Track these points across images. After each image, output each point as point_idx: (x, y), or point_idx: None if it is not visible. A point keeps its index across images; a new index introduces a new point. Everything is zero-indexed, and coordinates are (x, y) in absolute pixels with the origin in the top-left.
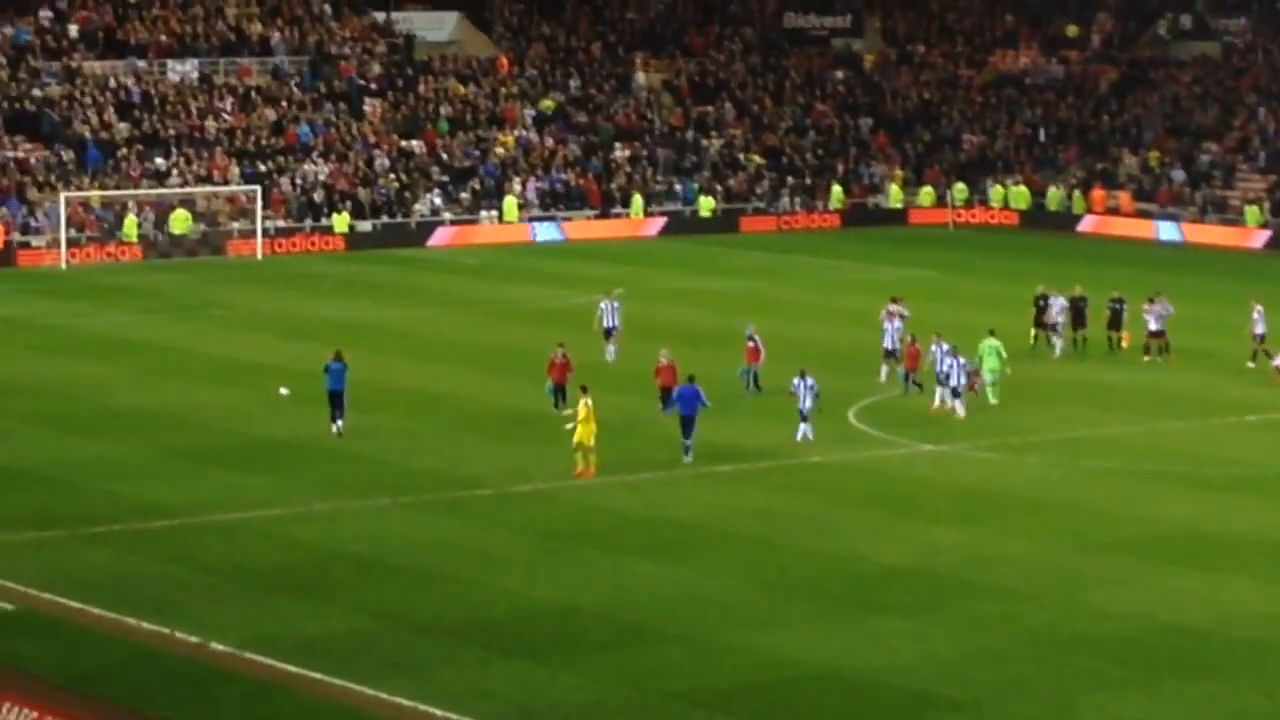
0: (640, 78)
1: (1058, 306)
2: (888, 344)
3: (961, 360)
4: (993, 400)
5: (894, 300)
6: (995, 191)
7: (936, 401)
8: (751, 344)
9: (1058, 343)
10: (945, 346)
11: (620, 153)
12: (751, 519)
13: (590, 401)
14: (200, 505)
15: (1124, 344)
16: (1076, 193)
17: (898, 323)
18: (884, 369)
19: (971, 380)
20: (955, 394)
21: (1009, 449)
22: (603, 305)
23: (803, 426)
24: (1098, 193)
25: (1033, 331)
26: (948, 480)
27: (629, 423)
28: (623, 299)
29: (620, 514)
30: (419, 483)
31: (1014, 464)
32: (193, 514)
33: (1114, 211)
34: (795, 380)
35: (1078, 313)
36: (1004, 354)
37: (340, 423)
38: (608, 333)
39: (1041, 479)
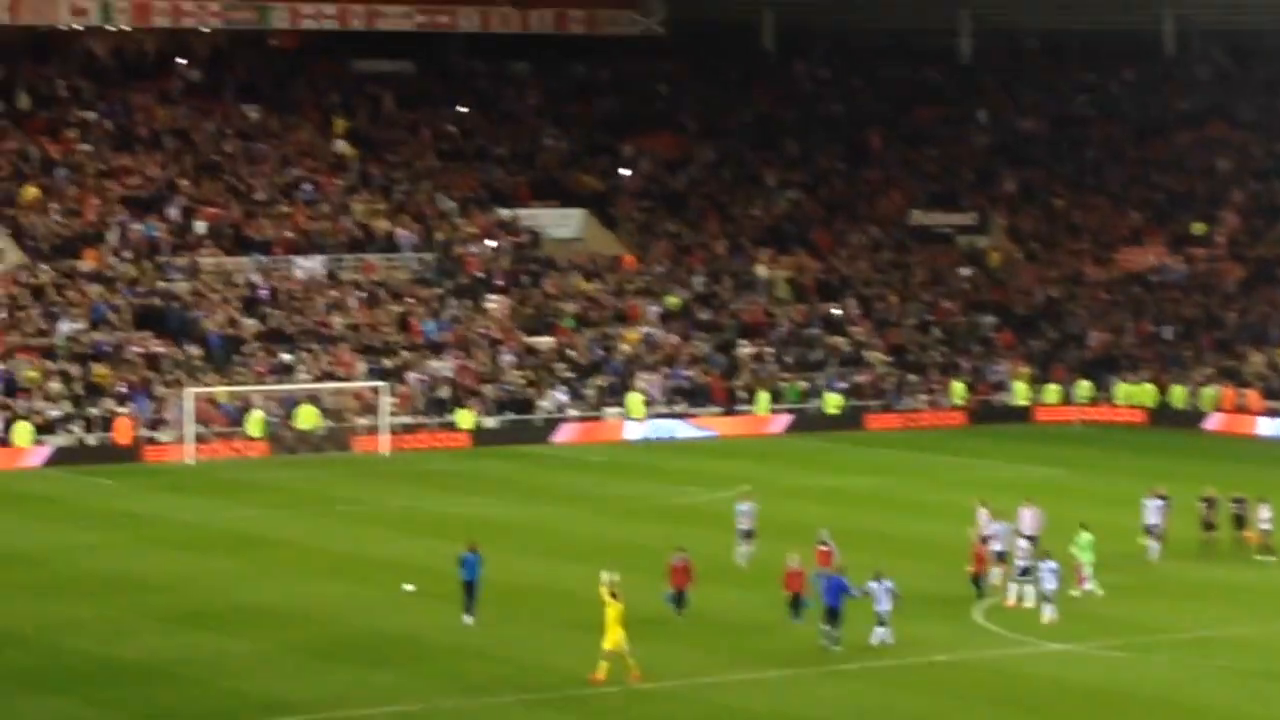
0: (765, 274)
1: (1154, 508)
2: (999, 547)
3: (1052, 564)
4: (1099, 591)
5: (981, 503)
6: (1121, 389)
7: (1012, 598)
8: (824, 548)
9: (1153, 545)
10: (1024, 547)
11: (745, 349)
12: (878, 718)
13: (618, 602)
14: (325, 701)
15: (1250, 542)
16: (1203, 390)
17: (1000, 525)
18: (996, 570)
19: (1080, 575)
20: (1046, 599)
21: (1137, 648)
22: (740, 508)
23: (880, 630)
24: (1225, 391)
25: (1202, 535)
26: (1076, 679)
27: (754, 621)
28: (750, 497)
29: (749, 713)
30: (544, 680)
31: (1142, 663)
32: (318, 710)
33: (1241, 409)
34: (871, 583)
35: (1208, 511)
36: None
37: (471, 616)
38: (746, 535)
39: (1170, 679)
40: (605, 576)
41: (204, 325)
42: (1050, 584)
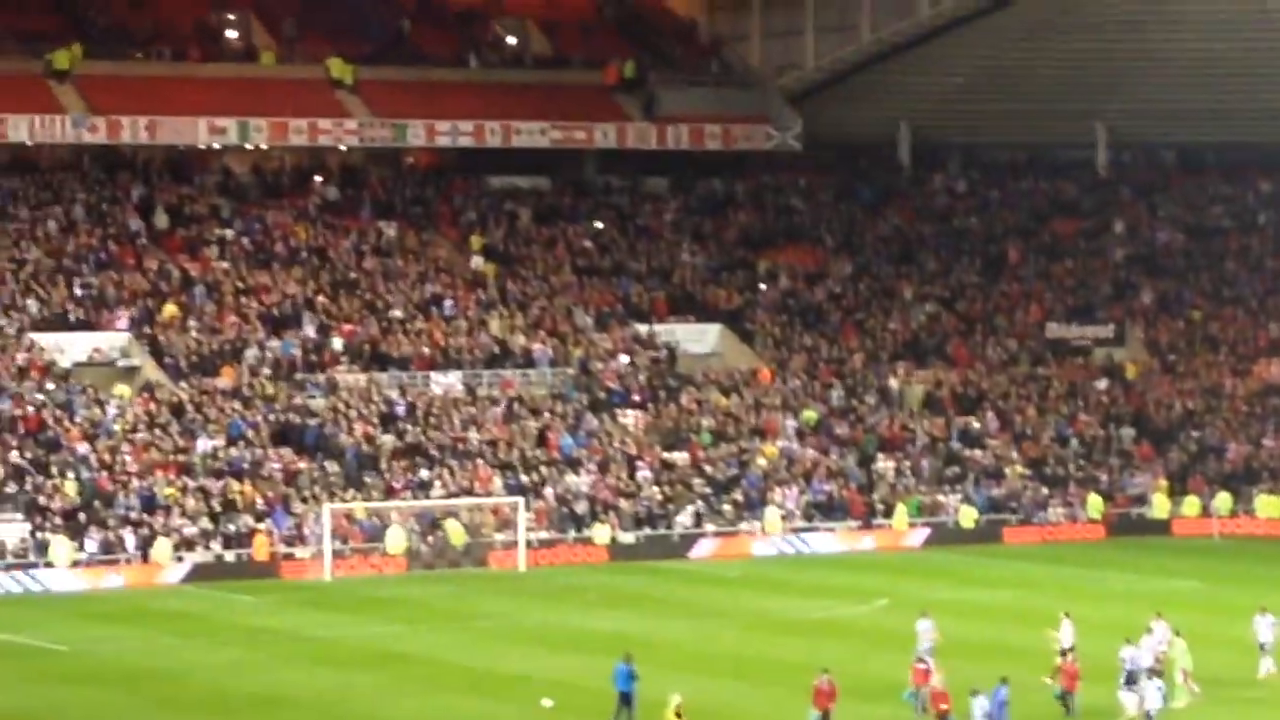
0: (903, 387)
1: (1265, 624)
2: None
3: (1159, 684)
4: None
5: (1065, 615)
6: (1261, 501)
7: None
8: (922, 666)
9: (1266, 662)
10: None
11: (883, 463)
12: None
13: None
14: None
15: None
16: None
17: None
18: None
19: (1186, 679)
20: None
21: None
22: (920, 625)
23: None
24: None
25: None
26: None
27: None
28: (885, 610)
29: None
30: None
31: None
32: None
33: None
34: (978, 698)
35: None
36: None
37: None
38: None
39: None
40: (675, 699)
41: (342, 441)
42: (1156, 703)
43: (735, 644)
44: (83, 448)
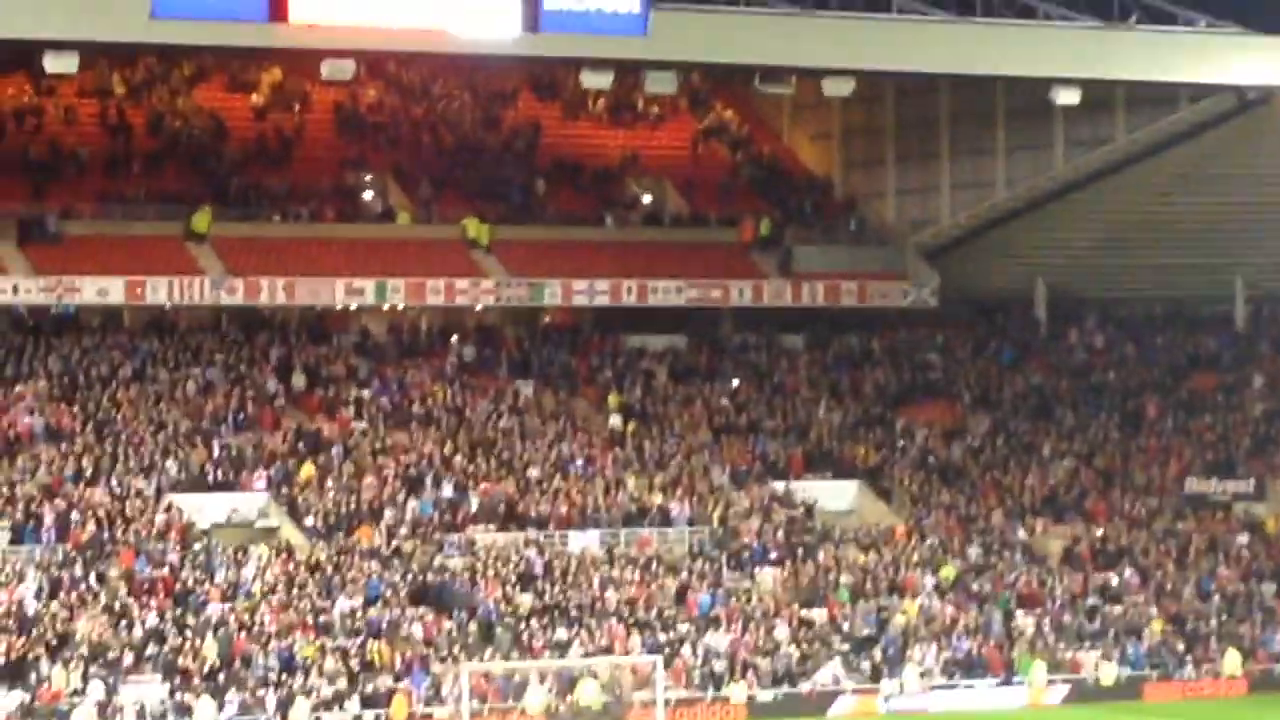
0: (1041, 543)
1: None
2: None
3: None
4: None
5: None
6: None
7: None
8: None
9: None
10: None
11: (1022, 619)
12: None
13: None
14: None
15: None
16: None
17: None
18: None
19: None
20: None
21: None
22: None
23: None
24: None
25: None
26: None
27: None
28: None
29: None
30: None
31: None
32: None
33: None
34: None
35: None
36: None
37: None
38: None
39: None
40: None
41: (479, 601)
42: None
43: None
44: (221, 608)
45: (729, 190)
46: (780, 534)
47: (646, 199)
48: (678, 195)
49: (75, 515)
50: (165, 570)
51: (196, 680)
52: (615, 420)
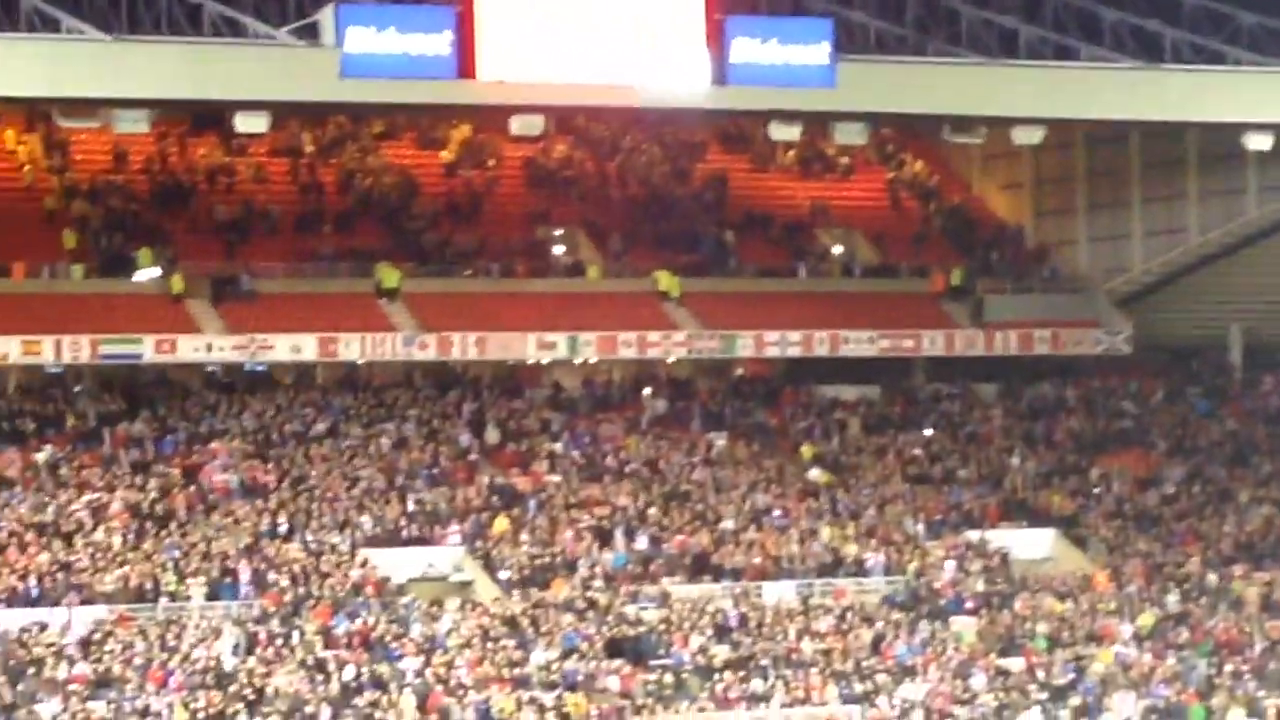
0: (1240, 591)
1: None
2: None
3: None
4: None
5: None
6: None
7: None
8: None
9: None
10: None
11: (1222, 667)
12: None
13: None
14: None
15: None
16: None
17: None
18: None
19: None
20: None
21: None
22: None
23: None
24: None
25: None
26: None
27: None
28: None
29: None
30: None
31: None
32: None
33: None
34: None
35: None
36: None
37: None
38: None
39: None
40: None
41: (674, 653)
42: None
43: None
44: (417, 663)
45: (920, 240)
46: (976, 583)
47: (837, 250)
48: (868, 246)
49: (271, 571)
50: (361, 624)
51: None
52: (813, 472)
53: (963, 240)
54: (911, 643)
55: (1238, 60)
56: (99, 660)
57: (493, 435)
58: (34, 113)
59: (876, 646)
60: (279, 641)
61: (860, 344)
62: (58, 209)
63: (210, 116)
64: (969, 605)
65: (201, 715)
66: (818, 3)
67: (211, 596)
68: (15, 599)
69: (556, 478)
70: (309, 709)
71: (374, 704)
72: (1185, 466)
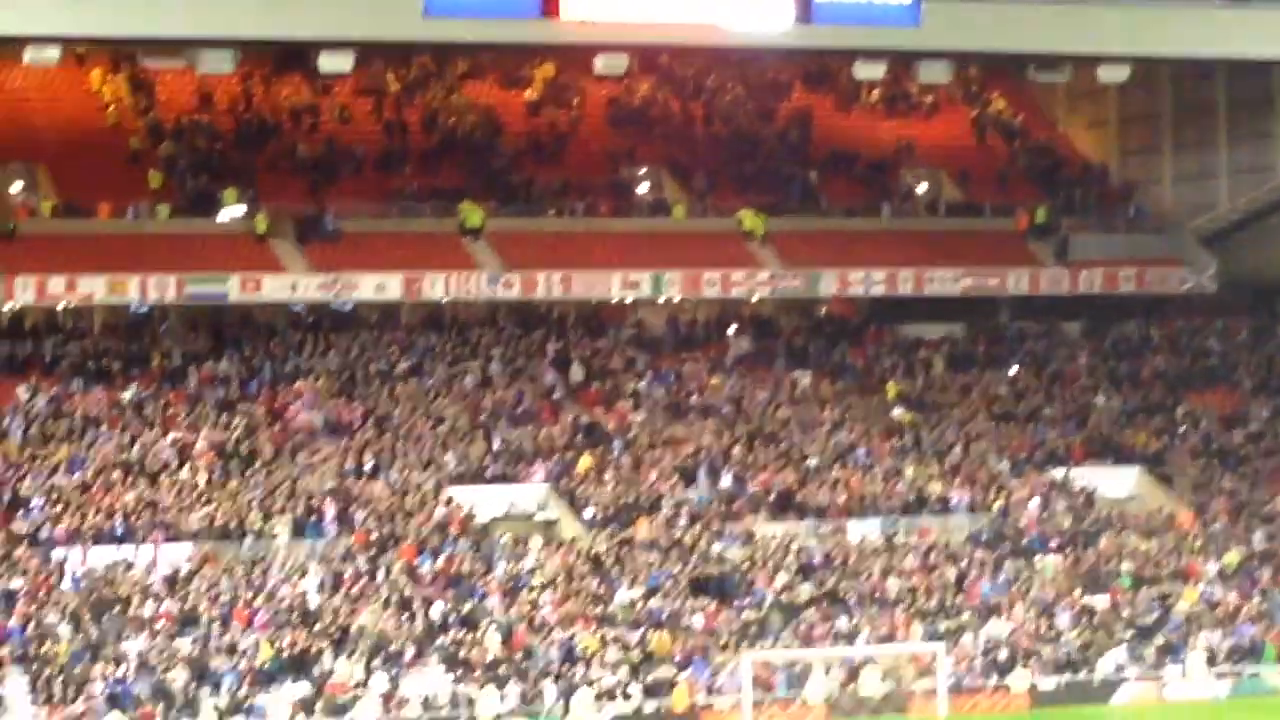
0: None
1: None
2: None
3: None
4: None
5: None
6: None
7: None
8: None
9: None
10: None
11: None
12: None
13: None
14: None
15: None
16: None
17: None
18: None
19: None
20: None
21: None
22: None
23: None
24: None
25: None
26: None
27: None
28: None
29: None
30: None
31: None
32: None
33: None
34: None
35: None
36: None
37: None
38: None
39: None
40: None
41: (760, 591)
42: None
43: None
44: (501, 601)
45: (1004, 179)
46: (1061, 521)
47: (922, 188)
48: (953, 184)
49: (356, 510)
50: (446, 563)
51: (478, 672)
52: (896, 410)
53: (1047, 179)
54: (996, 581)
55: None
56: (185, 598)
57: (577, 374)
58: (119, 53)
59: (961, 584)
60: (364, 579)
61: (945, 282)
62: (143, 149)
63: (295, 56)
64: (1054, 543)
65: (287, 653)
66: None
67: (297, 534)
68: (102, 537)
69: (641, 416)
70: (394, 647)
71: (459, 642)
72: (1271, 404)
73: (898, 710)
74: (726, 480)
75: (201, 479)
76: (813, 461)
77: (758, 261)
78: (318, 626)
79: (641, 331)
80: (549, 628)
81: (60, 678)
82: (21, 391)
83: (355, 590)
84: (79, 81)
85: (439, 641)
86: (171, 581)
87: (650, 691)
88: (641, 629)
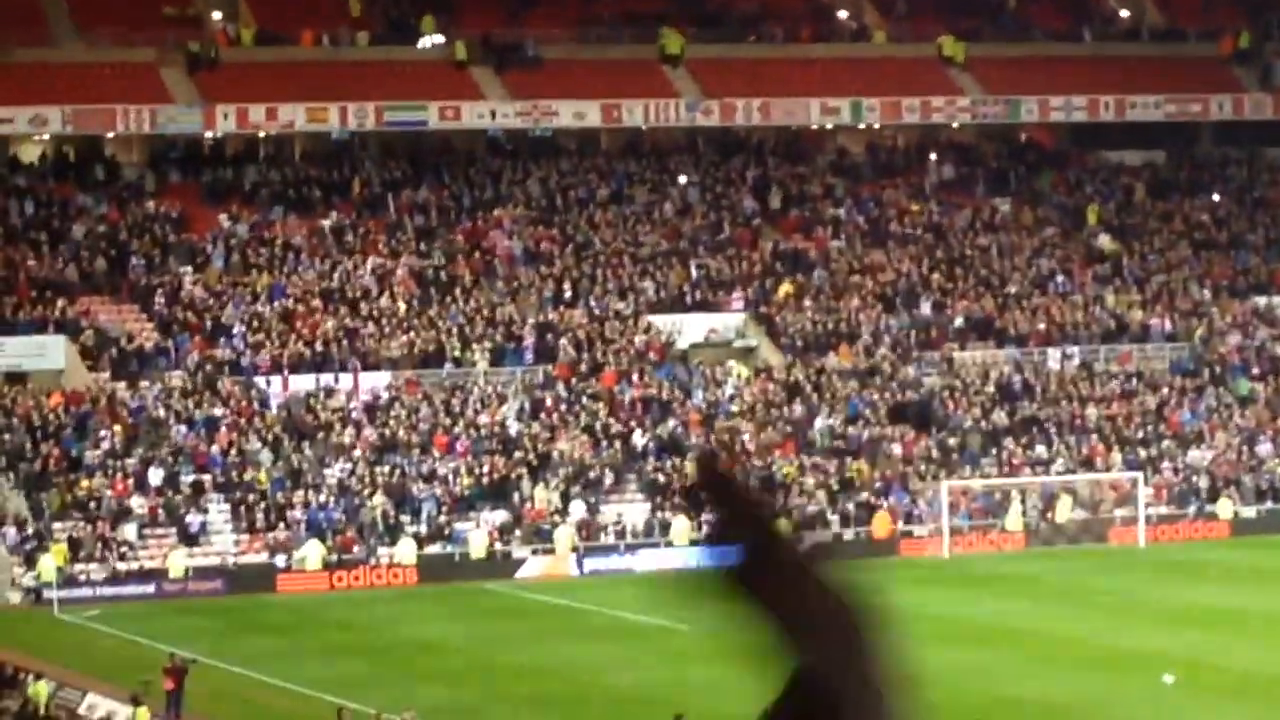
0: None
1: None
2: None
3: None
4: None
5: None
6: None
7: None
8: None
9: None
10: None
11: None
12: None
13: None
14: None
15: None
16: None
17: None
18: None
19: None
20: None
21: None
22: None
23: None
24: None
25: None
26: None
27: None
28: None
29: None
30: None
31: None
32: None
33: None
34: None
35: None
36: None
37: None
38: None
39: None
40: None
41: (958, 419)
42: None
43: None
44: (700, 428)
45: (1208, 3)
46: (1262, 349)
47: (1124, 13)
48: (1155, 9)
49: (555, 337)
50: (644, 390)
51: (676, 499)
52: (1099, 238)
53: (1252, 2)
54: (1196, 409)
55: None
56: (385, 425)
57: (776, 200)
58: None
59: (1161, 412)
60: (563, 407)
61: (1146, 108)
62: None
63: None
64: (1255, 371)
65: (486, 480)
66: None
67: (496, 362)
68: (302, 364)
69: (840, 243)
70: (593, 474)
71: (658, 469)
72: None
73: (1096, 539)
74: (925, 307)
75: (401, 306)
76: (1012, 289)
77: (958, 88)
78: (516, 453)
79: (841, 158)
80: (747, 454)
81: (261, 504)
82: (223, 219)
83: (554, 418)
84: None
85: (636, 467)
86: (371, 409)
87: (848, 519)
88: (840, 457)
